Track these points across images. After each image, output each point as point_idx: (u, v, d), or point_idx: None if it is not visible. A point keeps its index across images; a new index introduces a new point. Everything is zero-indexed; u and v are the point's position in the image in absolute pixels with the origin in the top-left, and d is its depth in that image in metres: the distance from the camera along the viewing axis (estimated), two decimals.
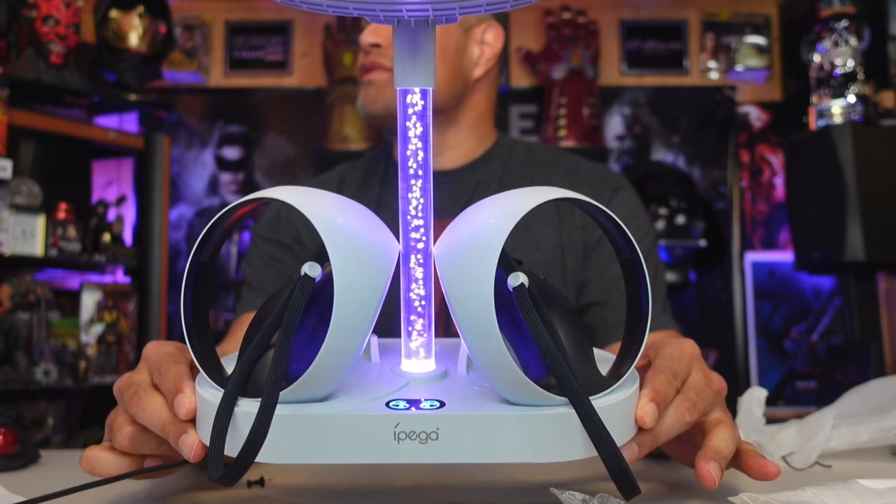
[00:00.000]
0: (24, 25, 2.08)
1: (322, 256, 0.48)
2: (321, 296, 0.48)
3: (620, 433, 0.47)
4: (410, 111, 0.50)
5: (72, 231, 2.15)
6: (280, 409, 0.45)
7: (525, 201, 0.47)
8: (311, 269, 0.47)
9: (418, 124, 0.50)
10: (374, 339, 0.56)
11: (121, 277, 2.41)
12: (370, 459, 0.45)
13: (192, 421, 0.50)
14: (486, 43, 1.07)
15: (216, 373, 0.51)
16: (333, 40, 2.91)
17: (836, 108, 2.36)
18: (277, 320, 0.47)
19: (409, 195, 0.51)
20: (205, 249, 0.51)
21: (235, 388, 0.46)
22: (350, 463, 0.45)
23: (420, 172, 0.50)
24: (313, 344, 0.46)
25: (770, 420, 0.73)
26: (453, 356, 0.55)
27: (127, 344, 2.28)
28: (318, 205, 0.48)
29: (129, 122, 2.48)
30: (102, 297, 2.27)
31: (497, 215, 0.47)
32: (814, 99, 2.44)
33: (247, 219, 2.92)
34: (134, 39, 2.30)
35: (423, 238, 0.51)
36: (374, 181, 1.07)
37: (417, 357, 0.53)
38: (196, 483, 0.67)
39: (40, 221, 2.08)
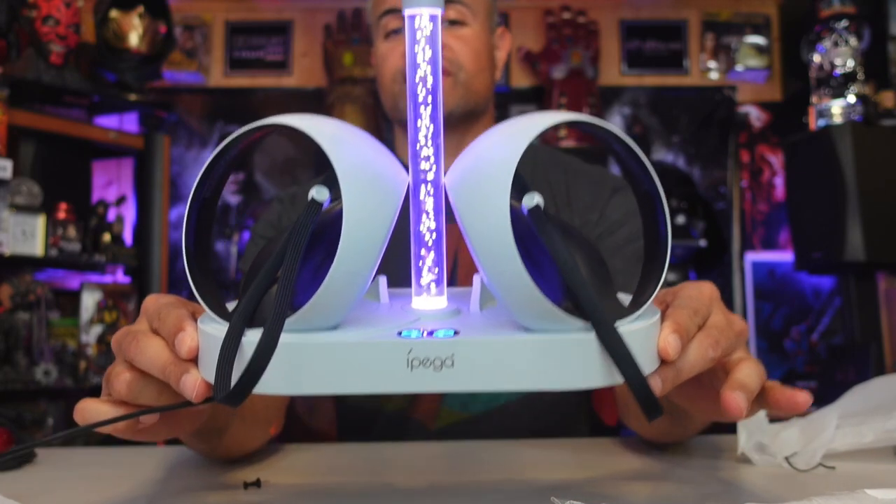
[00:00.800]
0: (24, 25, 2.08)
1: (329, 181, 0.46)
2: (329, 229, 0.46)
3: (642, 363, 0.45)
4: (419, 35, 0.48)
5: (72, 231, 2.15)
6: (286, 338, 0.43)
7: (536, 123, 0.45)
8: (319, 193, 0.45)
9: (427, 48, 0.48)
10: (383, 280, 0.54)
11: (121, 277, 2.40)
12: (382, 389, 0.43)
13: (194, 361, 0.48)
14: (502, 48, 1.11)
15: (218, 308, 0.49)
16: (333, 40, 2.91)
17: (836, 108, 2.36)
18: (285, 249, 0.45)
19: (419, 122, 0.49)
20: (207, 184, 0.49)
21: (243, 316, 0.44)
22: (360, 393, 0.43)
23: (429, 99, 0.48)
24: (320, 275, 0.44)
25: (771, 420, 0.73)
26: (465, 300, 0.53)
27: None
28: (326, 127, 0.46)
29: (129, 122, 2.48)
30: (102, 297, 2.27)
31: (509, 136, 0.46)
32: (814, 99, 2.44)
33: (247, 217, 2.92)
34: (134, 39, 2.30)
35: (433, 167, 0.49)
36: None
37: (429, 293, 0.50)
38: (196, 485, 0.67)
39: (40, 221, 2.08)
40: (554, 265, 0.45)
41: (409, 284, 0.52)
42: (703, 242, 2.68)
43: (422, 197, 0.49)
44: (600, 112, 2.91)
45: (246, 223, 2.94)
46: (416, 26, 0.48)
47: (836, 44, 2.42)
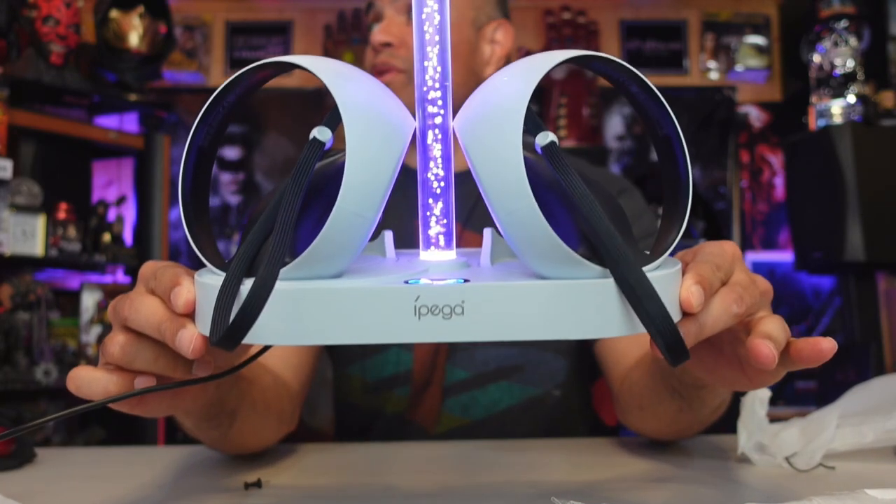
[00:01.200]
0: (24, 25, 2.08)
1: (333, 121, 0.44)
2: (332, 180, 0.44)
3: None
4: None
5: (72, 231, 2.15)
6: (284, 285, 0.41)
7: (547, 59, 0.43)
8: (321, 133, 0.43)
9: None
10: (389, 234, 0.52)
11: (121, 277, 2.40)
12: (387, 339, 0.41)
13: (191, 317, 0.46)
14: (497, 42, 1.06)
15: (215, 258, 0.47)
16: (333, 40, 2.91)
17: (836, 108, 2.36)
18: (285, 190, 0.43)
19: (426, 63, 0.46)
20: (204, 131, 0.47)
21: (242, 261, 0.42)
22: (364, 342, 0.41)
23: (437, 38, 0.46)
24: (324, 221, 0.41)
25: (770, 420, 0.73)
26: (475, 256, 0.51)
27: None
28: (330, 64, 0.44)
29: (130, 122, 2.48)
30: (102, 297, 2.27)
31: (519, 73, 0.44)
32: (813, 99, 2.44)
33: (246, 217, 2.93)
34: (134, 39, 2.30)
35: (441, 112, 0.47)
36: None
37: (437, 246, 0.48)
38: (196, 485, 0.67)
39: (40, 221, 2.08)
40: (570, 211, 0.43)
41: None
42: (702, 242, 2.68)
43: (429, 142, 0.47)
44: (600, 112, 2.91)
45: (246, 223, 2.94)
46: None
47: (835, 44, 2.42)
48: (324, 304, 0.41)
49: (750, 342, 0.47)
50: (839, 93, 2.38)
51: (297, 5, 3.01)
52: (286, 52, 3.01)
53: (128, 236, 2.39)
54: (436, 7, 0.45)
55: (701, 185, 2.95)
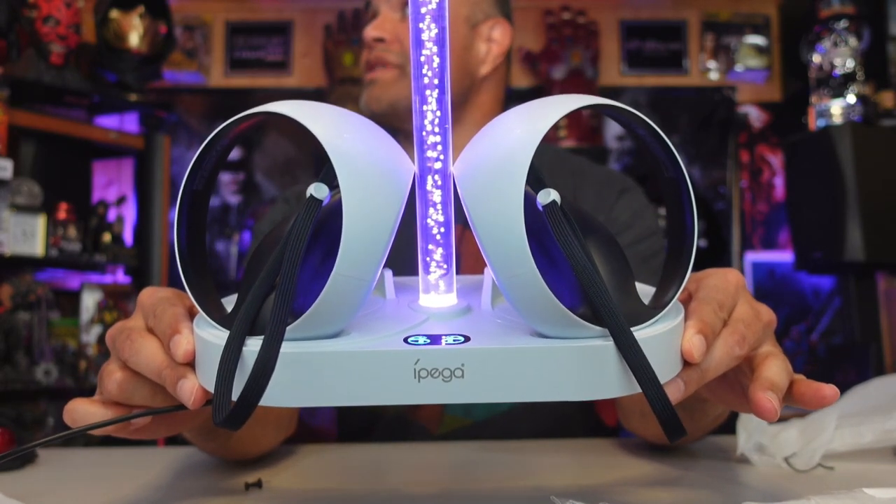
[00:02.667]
0: (24, 25, 2.08)
1: (328, 177, 0.43)
2: (330, 225, 0.43)
3: (665, 368, 0.43)
4: (424, 10, 0.44)
5: (72, 231, 2.15)
6: (286, 347, 0.41)
7: (554, 110, 0.42)
8: (318, 191, 0.42)
9: (433, 26, 0.44)
10: (389, 274, 0.51)
11: (121, 277, 2.40)
12: (388, 400, 0.41)
13: (191, 365, 0.46)
14: (494, 40, 1.05)
15: (215, 310, 0.46)
16: (333, 40, 2.91)
17: (836, 108, 2.36)
18: (283, 250, 0.42)
19: (425, 108, 0.45)
20: (198, 175, 0.46)
21: (244, 324, 0.41)
22: (366, 405, 0.41)
23: (436, 81, 0.44)
24: (322, 276, 0.41)
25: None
26: (476, 292, 0.50)
27: None
28: (322, 117, 0.43)
29: (130, 122, 2.48)
30: (103, 297, 2.27)
31: (524, 124, 0.42)
32: (813, 99, 2.45)
33: (247, 217, 2.92)
34: (134, 39, 2.30)
35: (441, 157, 0.45)
36: None
37: (437, 291, 0.47)
38: (197, 485, 0.67)
39: (41, 221, 2.08)
40: (569, 269, 0.42)
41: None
42: (703, 242, 2.68)
43: (429, 188, 0.46)
44: (600, 112, 2.91)
45: (246, 223, 2.94)
46: (421, 1, 0.44)
47: (835, 44, 2.42)
48: (324, 367, 0.41)
49: (752, 394, 0.46)
50: (839, 93, 2.38)
51: (297, 5, 3.01)
52: (286, 53, 3.01)
53: (128, 236, 2.39)
54: (435, 50, 0.44)
55: (701, 185, 2.95)
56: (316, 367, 0.41)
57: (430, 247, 0.47)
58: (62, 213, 2.14)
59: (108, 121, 2.42)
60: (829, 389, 0.49)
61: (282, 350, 0.40)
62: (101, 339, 2.23)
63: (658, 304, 0.46)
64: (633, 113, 0.44)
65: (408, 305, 0.48)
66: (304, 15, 3.01)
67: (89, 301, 2.25)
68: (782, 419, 0.76)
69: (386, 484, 0.67)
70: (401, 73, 0.99)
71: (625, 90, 3.01)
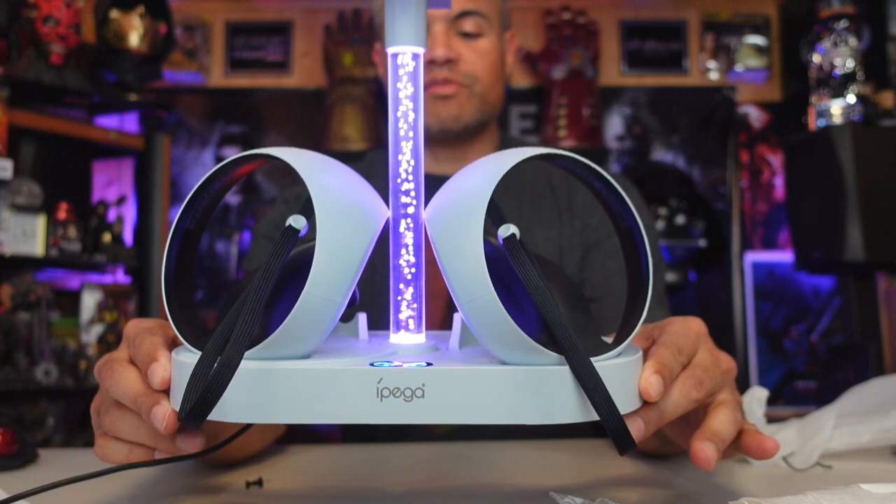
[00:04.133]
0: (24, 25, 2.08)
1: (307, 210, 0.46)
2: (305, 259, 0.45)
3: (621, 399, 0.45)
4: (402, 72, 0.49)
5: (72, 231, 2.16)
6: (251, 364, 0.42)
7: (509, 158, 0.46)
8: (296, 221, 0.45)
9: (409, 85, 0.49)
10: (363, 317, 0.54)
11: (121, 277, 2.41)
12: (350, 419, 0.42)
13: (166, 392, 0.47)
14: (510, 51, 1.12)
15: (195, 338, 0.48)
16: (333, 40, 2.91)
17: (836, 108, 2.36)
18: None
19: (400, 157, 0.49)
20: (190, 215, 0.49)
21: (218, 340, 0.43)
22: (327, 423, 0.42)
23: (410, 134, 0.49)
24: (294, 300, 0.43)
25: (770, 420, 0.74)
26: (445, 340, 0.53)
27: None
28: (306, 158, 0.47)
29: (130, 122, 2.48)
30: (103, 297, 2.27)
31: (483, 170, 0.47)
32: (813, 99, 2.45)
33: (247, 217, 2.92)
34: (134, 39, 2.30)
35: (414, 202, 0.49)
36: (379, 183, 1.07)
37: (407, 329, 0.50)
38: (198, 484, 0.67)
39: (41, 221, 2.08)
40: (528, 299, 0.45)
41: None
42: (702, 242, 2.68)
43: (402, 230, 0.49)
44: (600, 112, 2.91)
45: (246, 223, 2.94)
46: (399, 63, 0.49)
47: (835, 44, 2.42)
48: (288, 383, 0.42)
49: (692, 442, 0.48)
50: (839, 93, 2.38)
51: (297, 5, 3.01)
52: (286, 53, 3.01)
53: (128, 236, 2.39)
54: (410, 106, 0.49)
55: (701, 185, 2.95)
56: (280, 383, 0.42)
57: (401, 286, 0.50)
58: (62, 213, 2.14)
59: (108, 121, 2.43)
60: (771, 442, 0.51)
61: (248, 366, 0.42)
62: (101, 339, 2.24)
63: (616, 340, 0.48)
64: (588, 165, 0.47)
65: (378, 343, 0.51)
66: (304, 15, 3.01)
67: (89, 301, 2.25)
68: (783, 419, 0.76)
69: (386, 483, 0.67)
70: (470, 92, 1.02)
71: (625, 90, 3.01)
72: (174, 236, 0.48)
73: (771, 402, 0.72)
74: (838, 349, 2.56)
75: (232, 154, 2.97)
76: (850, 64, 2.39)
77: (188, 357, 0.45)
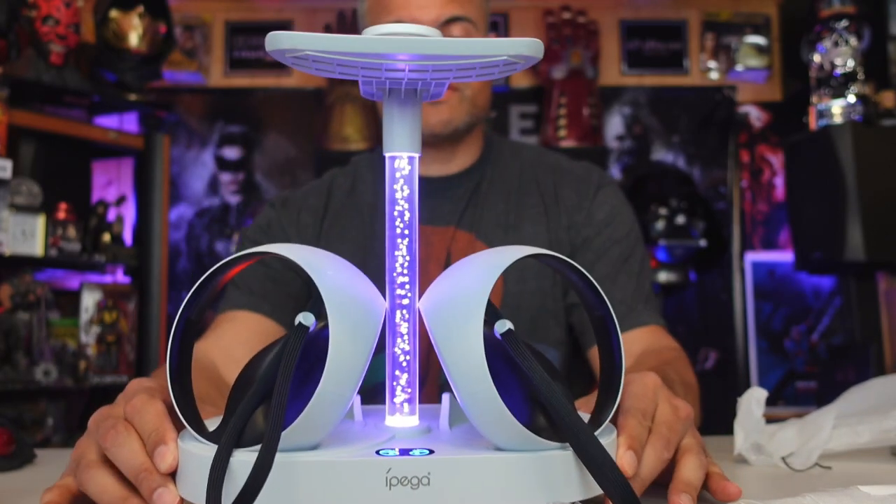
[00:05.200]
0: (24, 25, 2.08)
1: (316, 307, 0.49)
2: (311, 349, 0.49)
3: None
4: (398, 175, 0.53)
5: (72, 231, 2.15)
6: None
7: (505, 257, 0.50)
8: (306, 319, 0.48)
9: (405, 187, 0.53)
10: (357, 399, 0.57)
11: (121, 277, 2.41)
12: None
13: (171, 475, 0.48)
14: None
15: (198, 426, 0.50)
16: None
17: (836, 108, 2.36)
18: (272, 370, 0.48)
19: (396, 252, 0.53)
20: (194, 306, 0.51)
21: (233, 436, 0.45)
22: None
23: (406, 232, 0.53)
24: (304, 393, 0.46)
25: (770, 420, 0.73)
26: (434, 418, 0.56)
27: (127, 344, 2.28)
28: (312, 257, 0.50)
29: (129, 122, 2.48)
30: (102, 297, 2.27)
31: (481, 269, 0.50)
32: (814, 99, 2.44)
33: (246, 217, 2.92)
34: (134, 39, 2.30)
35: (409, 294, 0.53)
36: (364, 188, 1.08)
37: (402, 413, 0.53)
38: None
39: (40, 221, 2.08)
40: (522, 388, 0.49)
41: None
42: (703, 242, 2.68)
43: (397, 320, 0.53)
44: (600, 112, 2.91)
45: (246, 223, 2.94)
46: (396, 167, 0.52)
47: (836, 44, 2.42)
48: (307, 476, 0.45)
49: (669, 496, 0.52)
50: (839, 93, 2.38)
51: (297, 5, 3.01)
52: None
53: (128, 236, 2.39)
54: (406, 206, 0.52)
55: (701, 185, 2.95)
56: (298, 475, 0.45)
57: (397, 373, 0.53)
58: (62, 213, 2.14)
59: (107, 121, 2.42)
60: (733, 488, 0.55)
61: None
62: (100, 339, 2.24)
63: (594, 423, 0.52)
64: (567, 262, 0.51)
65: (374, 425, 0.54)
66: (304, 15, 3.01)
67: (89, 301, 2.25)
68: (782, 419, 0.76)
69: None
70: (460, 96, 1.03)
71: (625, 90, 3.01)
72: (177, 326, 0.50)
73: (771, 402, 0.72)
74: (838, 349, 2.55)
75: (231, 154, 2.97)
76: (851, 64, 2.39)
77: (195, 447, 0.47)
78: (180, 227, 2.93)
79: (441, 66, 0.48)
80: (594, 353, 0.99)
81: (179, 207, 2.93)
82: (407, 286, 0.53)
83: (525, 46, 0.47)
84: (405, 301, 0.53)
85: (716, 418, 0.98)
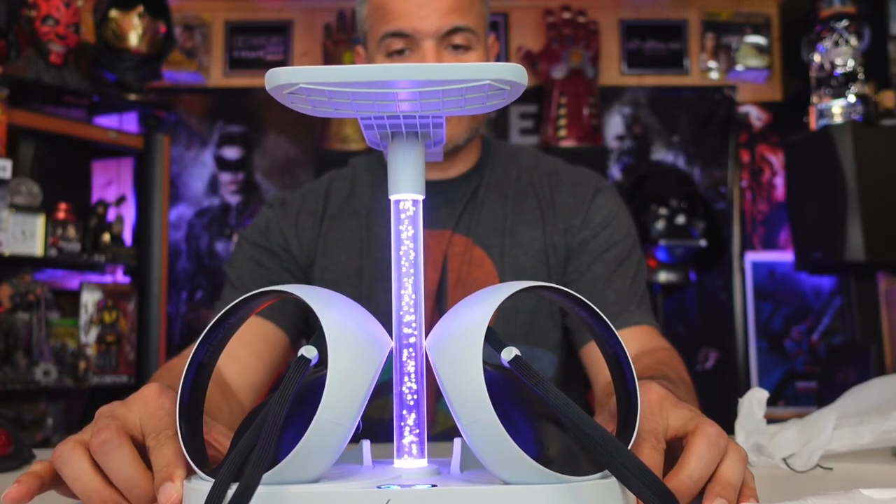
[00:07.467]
0: (23, 25, 2.08)
1: (319, 340, 0.49)
2: (317, 392, 0.48)
3: None
4: (403, 216, 0.54)
5: (71, 231, 2.15)
6: (264, 489, 0.44)
7: (504, 290, 0.50)
8: (308, 352, 0.48)
9: (410, 227, 0.54)
10: (366, 444, 0.56)
11: (120, 277, 2.40)
12: None
13: None
14: (492, 54, 1.09)
15: (204, 464, 0.50)
16: (333, 40, 2.91)
17: (837, 107, 2.36)
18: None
19: (402, 292, 0.53)
20: (205, 348, 0.52)
21: (231, 469, 0.45)
22: None
23: (412, 271, 0.53)
24: (305, 425, 0.46)
25: (770, 420, 0.73)
26: (446, 465, 0.56)
27: (127, 344, 2.28)
28: (319, 295, 0.51)
29: (129, 122, 2.48)
30: (102, 297, 2.27)
31: (479, 302, 0.51)
32: (814, 99, 2.44)
33: (246, 217, 2.92)
34: (134, 39, 2.30)
35: (416, 333, 0.53)
36: (362, 190, 1.08)
37: (410, 454, 0.53)
38: None
39: (40, 221, 2.08)
40: (528, 420, 0.49)
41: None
42: (703, 242, 2.68)
43: (404, 359, 0.53)
44: (600, 112, 2.91)
45: (246, 223, 2.94)
46: (401, 209, 0.54)
47: (836, 44, 2.42)
48: None
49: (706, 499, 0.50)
50: (839, 92, 2.38)
51: (297, 5, 3.01)
52: (286, 52, 3.01)
53: (127, 236, 2.39)
54: (411, 246, 0.53)
55: (701, 185, 2.95)
56: None
57: (404, 412, 0.53)
58: (61, 213, 2.14)
59: (107, 120, 2.42)
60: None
61: (262, 489, 0.44)
62: (100, 339, 2.24)
63: None
64: (576, 297, 0.51)
65: (382, 468, 0.54)
66: (304, 15, 3.01)
67: (89, 301, 2.25)
68: (783, 419, 0.76)
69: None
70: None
71: (625, 90, 3.01)
72: (189, 367, 0.51)
73: (771, 402, 0.72)
74: (839, 349, 2.55)
75: (231, 154, 2.97)
76: (851, 63, 2.39)
77: (200, 484, 0.47)
78: (180, 227, 2.93)
79: (429, 94, 0.48)
80: (587, 351, 0.99)
81: (179, 207, 2.93)
82: (413, 325, 0.53)
83: (508, 71, 0.48)
84: (412, 339, 0.53)
85: (716, 419, 0.98)
